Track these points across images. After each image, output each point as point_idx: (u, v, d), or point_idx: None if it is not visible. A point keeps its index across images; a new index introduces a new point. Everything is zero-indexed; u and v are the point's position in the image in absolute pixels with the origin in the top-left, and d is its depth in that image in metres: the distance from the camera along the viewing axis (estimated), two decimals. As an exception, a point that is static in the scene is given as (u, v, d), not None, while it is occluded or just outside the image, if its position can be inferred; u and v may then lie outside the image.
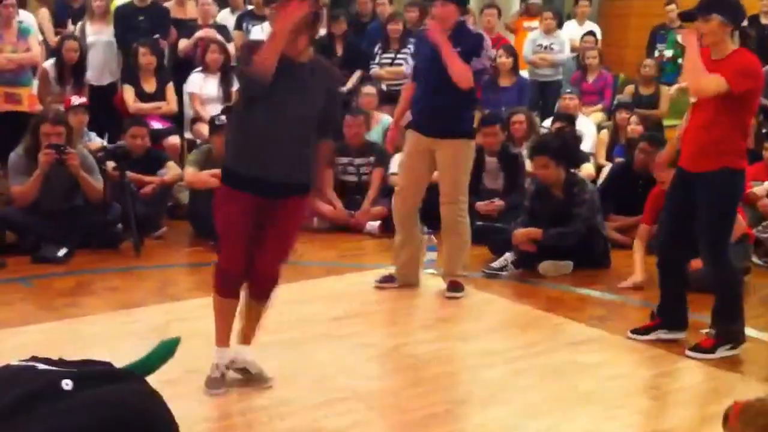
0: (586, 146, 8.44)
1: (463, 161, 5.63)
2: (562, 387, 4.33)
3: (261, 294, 4.16)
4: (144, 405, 1.33)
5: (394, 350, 4.73)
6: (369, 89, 8.53)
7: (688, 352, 4.74)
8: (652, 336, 4.95)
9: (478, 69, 5.50)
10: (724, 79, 4.48)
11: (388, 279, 5.86)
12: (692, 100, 4.81)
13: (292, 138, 3.88)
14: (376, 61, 9.07)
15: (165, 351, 1.57)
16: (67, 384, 1.21)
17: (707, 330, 4.88)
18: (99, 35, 8.42)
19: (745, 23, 4.93)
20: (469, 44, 5.45)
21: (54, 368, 1.25)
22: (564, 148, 6.64)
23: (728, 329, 4.77)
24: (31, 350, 4.43)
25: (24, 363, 1.27)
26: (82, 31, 8.45)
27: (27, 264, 6.25)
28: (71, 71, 7.92)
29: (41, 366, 1.25)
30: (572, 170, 6.61)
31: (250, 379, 4.17)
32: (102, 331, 4.96)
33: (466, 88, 5.44)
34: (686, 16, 4.88)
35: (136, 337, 4.79)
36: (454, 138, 5.54)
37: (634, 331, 5.01)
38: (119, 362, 4.28)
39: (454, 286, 5.69)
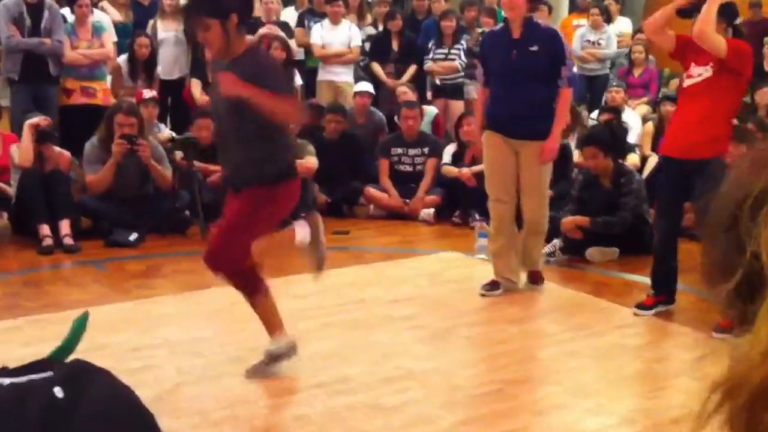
0: (631, 138, 8.30)
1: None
2: (609, 368, 4.26)
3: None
4: (123, 389, 1.31)
5: (448, 332, 4.69)
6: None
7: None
8: (654, 311, 5.01)
9: (568, 76, 5.18)
10: (725, 46, 4.57)
11: (492, 287, 5.39)
12: (687, 83, 4.82)
13: (227, 133, 3.82)
14: (430, 56, 9.00)
15: (80, 329, 1.55)
16: (59, 392, 1.18)
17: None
18: (169, 32, 8.48)
19: (737, 21, 4.90)
20: (545, 43, 5.07)
21: (37, 376, 1.20)
22: (612, 139, 6.53)
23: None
24: (106, 328, 4.52)
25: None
26: (154, 28, 8.53)
27: (100, 248, 6.33)
28: (143, 66, 8.00)
29: (22, 378, 1.20)
30: (619, 161, 6.50)
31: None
32: (171, 311, 5.00)
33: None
34: (684, 13, 4.81)
35: (202, 317, 4.83)
36: (537, 139, 5.15)
37: (638, 306, 5.03)
38: (189, 338, 4.31)
39: (536, 278, 5.48)
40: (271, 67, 3.93)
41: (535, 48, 5.06)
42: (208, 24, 3.73)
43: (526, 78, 5.06)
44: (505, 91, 5.16)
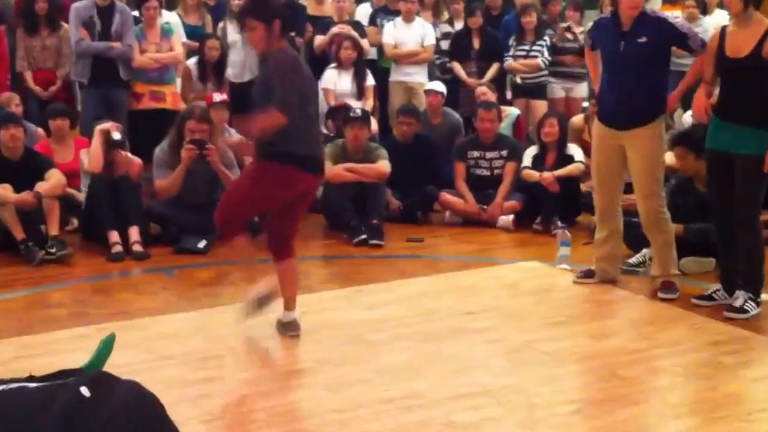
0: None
1: (656, 149, 5.38)
2: (703, 388, 4.14)
3: None
4: (149, 395, 1.39)
5: (526, 346, 4.62)
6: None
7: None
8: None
9: (698, 43, 5.31)
10: None
11: (587, 274, 5.70)
12: None
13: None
14: (511, 53, 8.91)
15: (107, 348, 1.65)
16: (86, 391, 1.27)
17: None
18: (239, 34, 8.56)
19: None
20: (654, 33, 5.24)
21: (65, 380, 1.29)
22: (704, 139, 6.34)
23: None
24: (174, 338, 4.57)
25: (21, 384, 1.32)
26: (223, 30, 8.63)
27: (169, 255, 6.43)
28: (212, 69, 8.10)
29: (49, 383, 1.29)
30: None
31: None
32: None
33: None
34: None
35: (270, 327, 4.84)
36: (642, 125, 5.31)
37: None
38: (256, 348, 4.33)
39: (668, 287, 5.46)
40: (280, 70, 4.38)
41: (643, 39, 5.25)
42: (254, 26, 4.41)
43: (634, 69, 5.25)
44: (613, 81, 5.37)
